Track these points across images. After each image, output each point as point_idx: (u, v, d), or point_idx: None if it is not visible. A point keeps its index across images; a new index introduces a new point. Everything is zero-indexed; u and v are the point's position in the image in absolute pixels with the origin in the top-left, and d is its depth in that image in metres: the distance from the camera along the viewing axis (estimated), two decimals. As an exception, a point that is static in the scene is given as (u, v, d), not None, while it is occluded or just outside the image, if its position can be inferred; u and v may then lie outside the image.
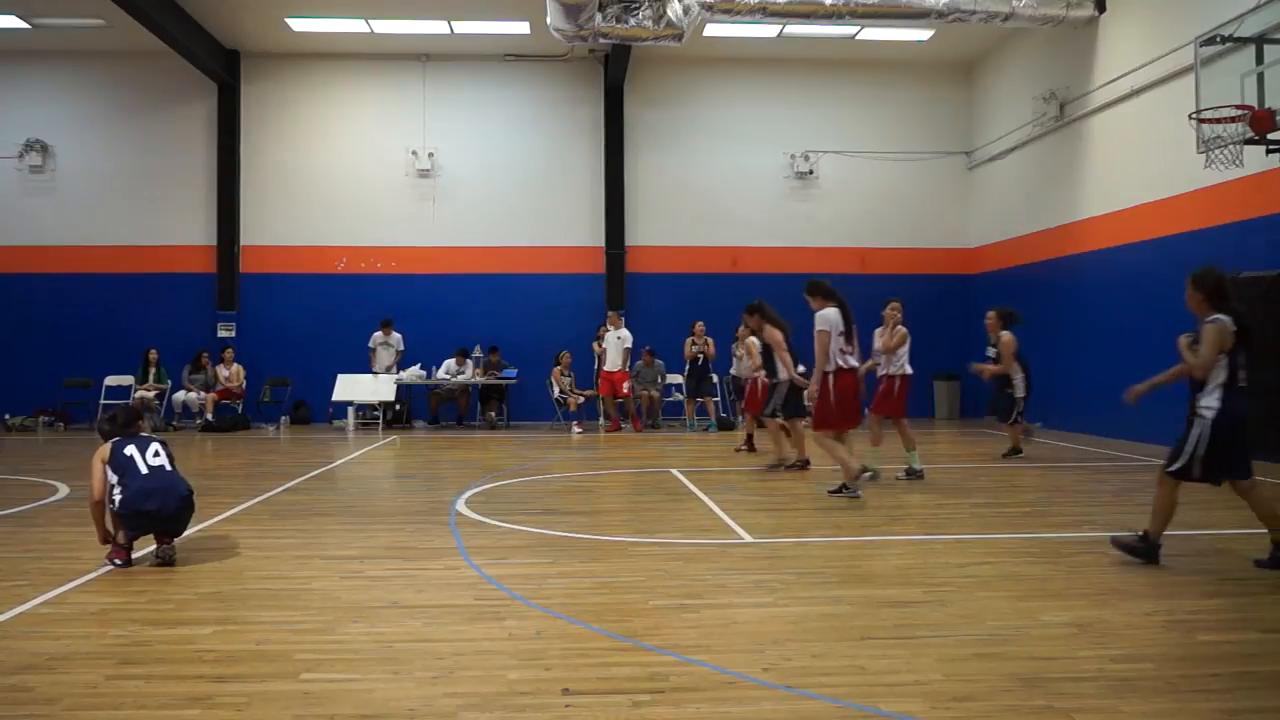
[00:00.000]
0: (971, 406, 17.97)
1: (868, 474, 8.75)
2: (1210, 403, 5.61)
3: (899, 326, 9.93)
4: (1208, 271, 5.92)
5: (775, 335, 10.32)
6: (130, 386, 16.36)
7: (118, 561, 5.65)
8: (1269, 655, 4.02)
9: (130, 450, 5.78)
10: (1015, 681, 3.70)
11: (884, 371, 9.90)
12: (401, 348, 16.92)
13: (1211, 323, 5.66)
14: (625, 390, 16.00)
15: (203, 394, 16.10)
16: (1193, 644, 4.20)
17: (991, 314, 11.82)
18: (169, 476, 5.81)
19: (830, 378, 8.25)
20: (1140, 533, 5.83)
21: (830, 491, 8.39)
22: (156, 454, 5.85)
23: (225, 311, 17.44)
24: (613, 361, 15.84)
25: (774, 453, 10.65)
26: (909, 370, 9.89)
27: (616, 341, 15.89)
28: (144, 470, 5.71)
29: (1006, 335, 11.57)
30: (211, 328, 17.34)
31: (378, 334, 16.87)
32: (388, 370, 16.65)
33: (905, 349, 9.84)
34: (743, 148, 18.23)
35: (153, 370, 16.36)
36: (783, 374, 10.28)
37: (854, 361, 8.46)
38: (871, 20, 14.23)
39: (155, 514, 5.65)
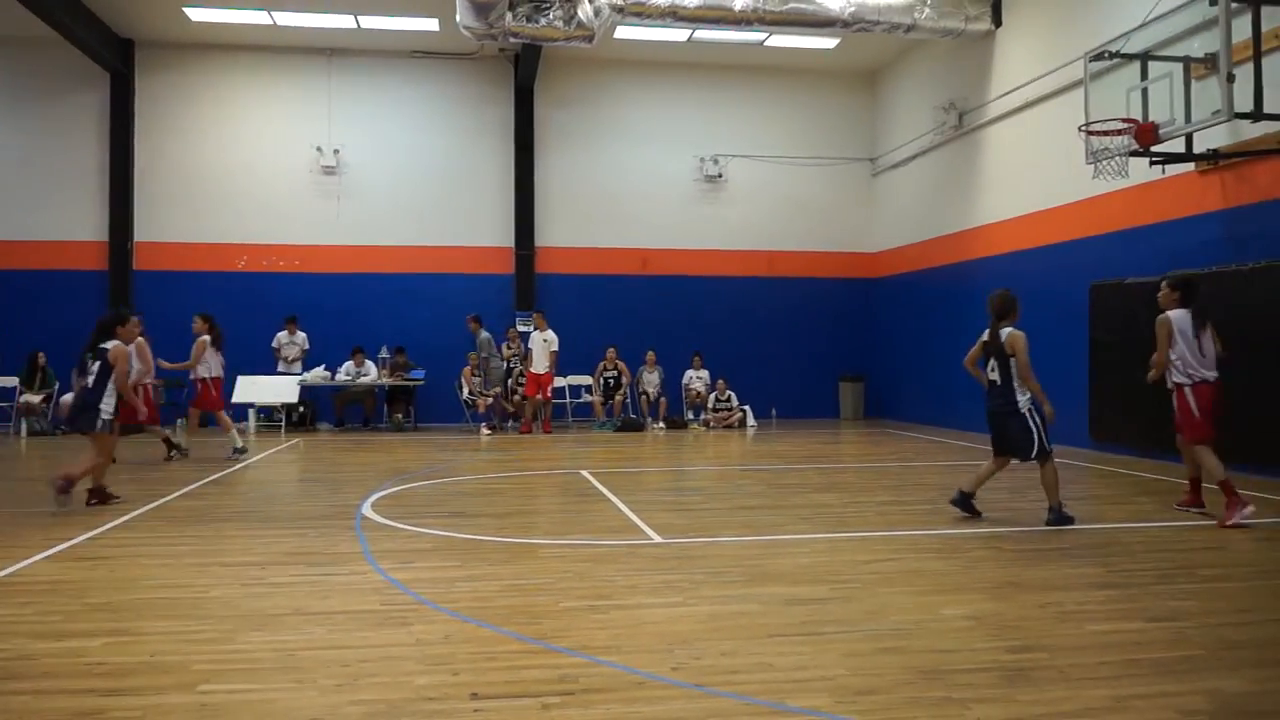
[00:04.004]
0: (875, 406, 18.40)
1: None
2: None
3: (203, 337, 11.83)
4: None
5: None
6: (15, 389, 15.61)
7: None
8: (1153, 643, 4.21)
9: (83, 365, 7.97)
10: (916, 674, 3.80)
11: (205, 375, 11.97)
12: (306, 346, 16.55)
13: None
14: (549, 393, 15.98)
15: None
16: (1083, 634, 4.38)
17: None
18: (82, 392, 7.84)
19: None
20: None
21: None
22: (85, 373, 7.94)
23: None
24: (539, 363, 15.73)
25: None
26: (217, 374, 12.06)
27: (543, 344, 15.78)
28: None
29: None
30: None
31: (282, 334, 16.46)
32: (291, 364, 16.28)
33: (206, 355, 11.84)
34: (653, 150, 18.33)
35: (39, 374, 15.63)
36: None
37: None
38: (779, 28, 14.46)
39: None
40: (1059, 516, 7.05)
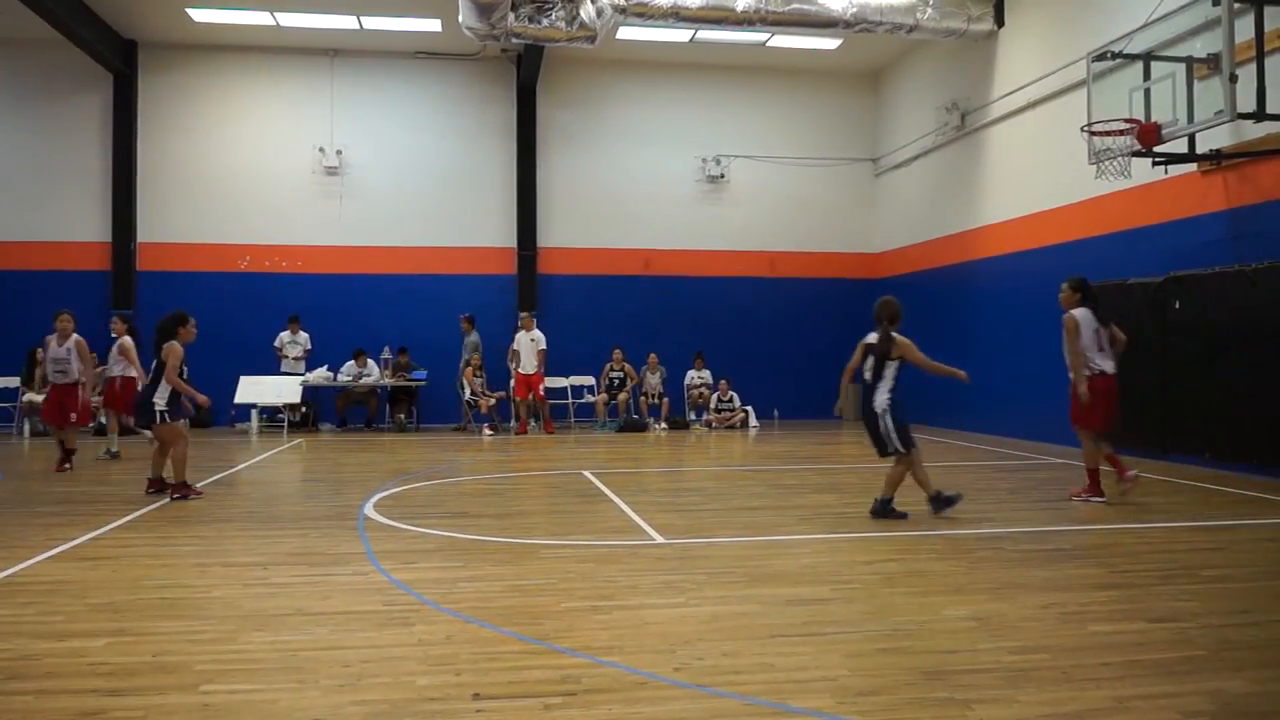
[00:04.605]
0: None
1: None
2: None
3: (126, 339, 11.71)
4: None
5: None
6: (17, 389, 15.62)
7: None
8: (1155, 644, 4.21)
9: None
10: (918, 675, 3.80)
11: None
12: (309, 346, 16.58)
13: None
14: (541, 393, 16.00)
15: (95, 396, 15.44)
16: (1085, 634, 4.37)
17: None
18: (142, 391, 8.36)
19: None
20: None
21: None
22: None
23: (121, 310, 16.75)
24: (527, 363, 15.75)
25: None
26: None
27: (530, 344, 15.79)
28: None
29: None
30: (106, 327, 16.64)
31: (284, 333, 16.49)
32: (295, 362, 16.32)
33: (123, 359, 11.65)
34: (655, 151, 18.33)
35: (39, 371, 15.62)
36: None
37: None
38: (782, 28, 14.45)
39: None
40: (883, 507, 7.39)
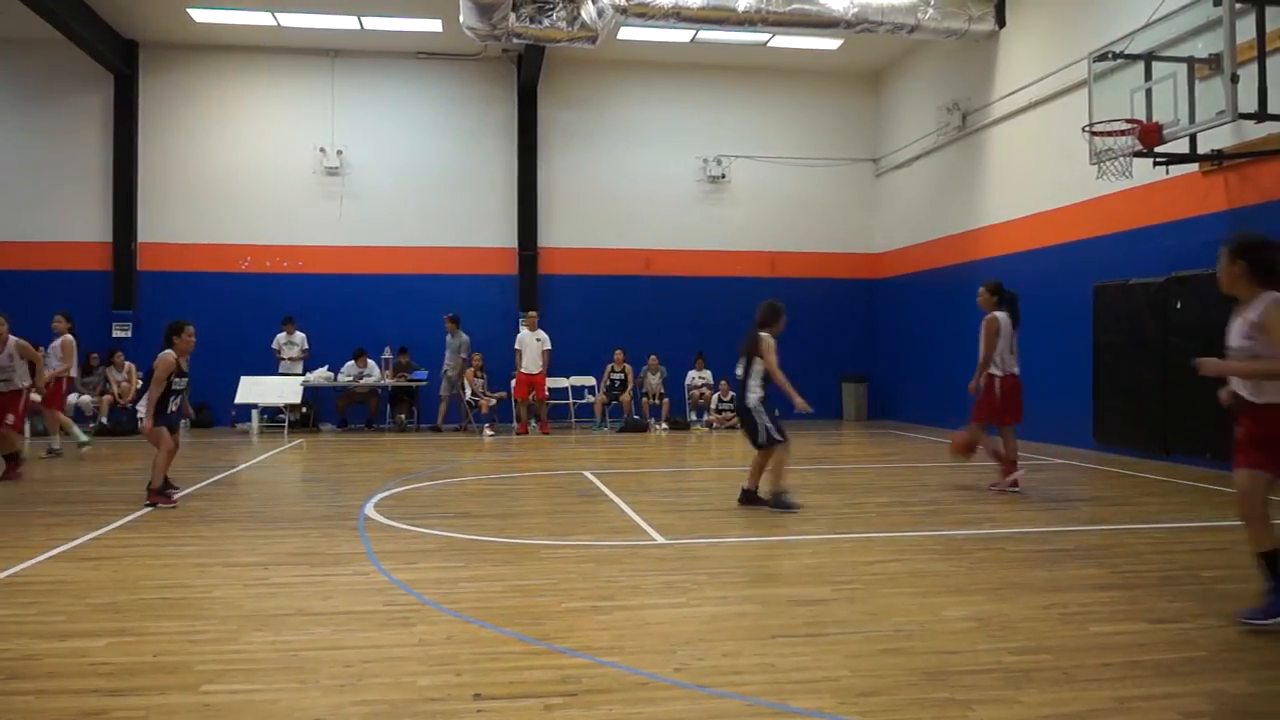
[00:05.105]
0: (878, 407, 18.38)
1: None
2: None
3: (68, 337, 12.20)
4: None
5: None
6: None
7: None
8: (1155, 645, 4.21)
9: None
10: (919, 675, 3.80)
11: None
12: (306, 346, 16.57)
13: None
14: (544, 393, 16.00)
15: (96, 397, 15.47)
16: (1086, 635, 4.37)
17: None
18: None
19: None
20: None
21: None
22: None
23: (121, 311, 16.81)
24: (531, 363, 15.74)
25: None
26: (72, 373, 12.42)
27: (535, 343, 15.78)
28: None
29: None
30: (106, 327, 16.68)
31: (281, 335, 16.49)
32: (293, 363, 16.33)
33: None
34: (656, 151, 18.33)
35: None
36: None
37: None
38: (783, 28, 14.45)
39: None
40: (778, 502, 7.71)
